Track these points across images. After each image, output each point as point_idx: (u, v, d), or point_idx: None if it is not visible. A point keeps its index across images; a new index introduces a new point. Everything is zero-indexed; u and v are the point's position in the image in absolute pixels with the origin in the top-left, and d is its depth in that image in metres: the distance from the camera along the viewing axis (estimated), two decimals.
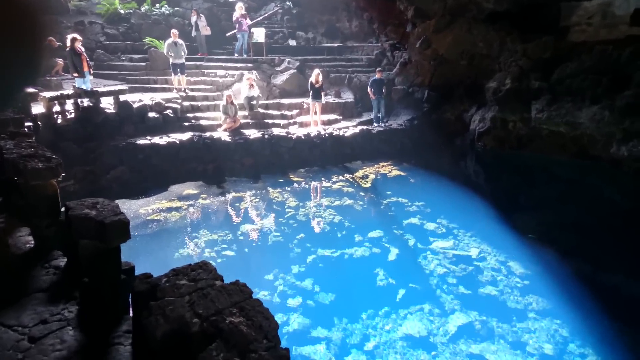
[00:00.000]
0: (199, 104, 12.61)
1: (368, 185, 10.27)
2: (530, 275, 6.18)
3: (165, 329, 1.74)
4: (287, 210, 8.62)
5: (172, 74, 12.73)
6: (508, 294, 5.79)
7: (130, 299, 2.25)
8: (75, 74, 10.23)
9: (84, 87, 10.17)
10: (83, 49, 10.53)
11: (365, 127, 12.79)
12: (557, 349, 4.75)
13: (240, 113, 12.14)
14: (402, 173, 11.06)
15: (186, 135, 10.68)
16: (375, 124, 13.15)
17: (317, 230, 7.89)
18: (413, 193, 9.52)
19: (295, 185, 10.28)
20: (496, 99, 11.64)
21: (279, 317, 5.19)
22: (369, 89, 13.10)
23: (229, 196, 9.62)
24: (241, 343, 1.69)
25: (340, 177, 10.76)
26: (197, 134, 10.96)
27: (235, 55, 15.59)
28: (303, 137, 11.65)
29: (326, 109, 13.31)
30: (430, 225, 7.91)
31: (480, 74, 12.71)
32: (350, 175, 10.92)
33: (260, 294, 5.66)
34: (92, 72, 10.93)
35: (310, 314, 5.35)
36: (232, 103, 11.56)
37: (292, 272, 6.32)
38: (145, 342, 1.78)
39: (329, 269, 6.46)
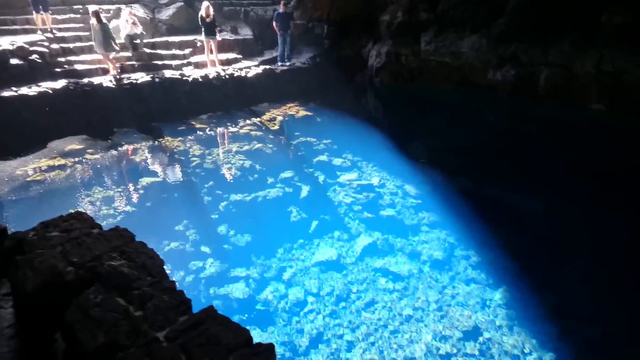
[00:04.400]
0: (71, 45, 10.81)
1: (276, 127, 10.18)
2: (422, 195, 6.94)
3: (36, 282, 1.63)
4: (192, 159, 8.21)
5: (34, 12, 10.57)
6: (404, 213, 6.47)
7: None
8: None
9: None
10: None
11: (268, 67, 12.34)
12: (446, 254, 5.53)
13: (122, 54, 10.75)
14: (308, 113, 11.14)
15: (60, 84, 9.23)
16: (279, 63, 12.73)
17: (227, 176, 7.72)
18: (320, 132, 9.72)
19: (199, 132, 9.75)
20: (390, 33, 12.00)
21: (193, 264, 5.15)
22: (274, 24, 12.38)
23: (122, 149, 8.79)
24: (122, 283, 1.66)
25: (247, 121, 10.47)
26: (73, 81, 9.52)
27: None
28: (201, 80, 10.87)
29: (223, 46, 12.44)
30: (337, 161, 8.26)
31: (376, 8, 12.86)
32: (258, 119, 10.67)
33: (171, 245, 5.49)
34: None
35: (227, 257, 5.40)
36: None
37: (204, 220, 6.20)
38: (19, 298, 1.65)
39: (243, 212, 6.47)
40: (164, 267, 1.86)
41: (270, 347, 1.38)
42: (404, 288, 4.95)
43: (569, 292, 4.69)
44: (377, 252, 5.59)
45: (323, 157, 8.42)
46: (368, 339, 4.18)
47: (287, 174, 7.61)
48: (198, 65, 11.68)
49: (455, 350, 4.00)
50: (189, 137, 9.41)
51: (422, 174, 7.63)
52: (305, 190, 7.15)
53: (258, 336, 4.16)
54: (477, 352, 3.97)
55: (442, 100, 11.33)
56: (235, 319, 4.35)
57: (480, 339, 4.13)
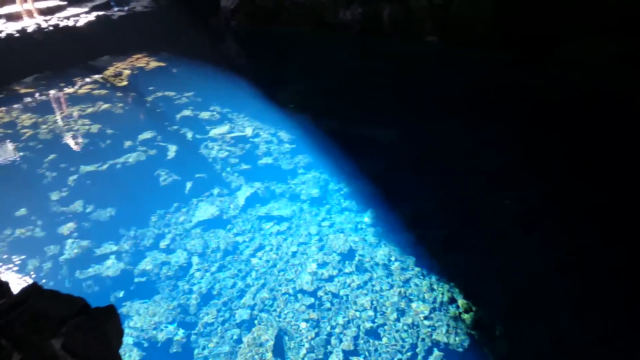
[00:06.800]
0: None
1: (124, 83, 9.00)
2: (296, 140, 7.13)
3: None
4: (21, 131, 6.83)
5: None
6: (281, 159, 6.60)
7: None
8: None
9: None
10: None
11: (102, 14, 10.54)
12: (322, 191, 5.89)
13: None
14: (161, 64, 10.06)
15: None
16: (115, 8, 10.97)
17: (73, 146, 6.67)
18: (179, 84, 8.96)
19: (26, 98, 8.07)
20: None
21: (48, 250, 4.49)
22: None
23: None
24: None
25: (87, 80, 9.00)
26: None
27: None
28: (17, 35, 8.79)
29: None
30: (205, 115, 7.83)
31: None
32: (100, 76, 9.25)
33: (16, 233, 4.66)
34: None
35: (90, 235, 4.83)
36: None
37: (52, 199, 5.35)
38: None
39: (100, 184, 5.77)
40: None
41: (109, 309, 1.31)
42: (288, 228, 5.18)
43: (422, 204, 5.51)
44: (260, 200, 5.66)
45: (187, 112, 7.86)
46: (259, 281, 4.33)
47: (148, 134, 6.93)
48: (11, 18, 9.35)
49: (336, 272, 4.43)
50: (14, 105, 7.74)
51: (293, 119, 7.77)
52: (172, 150, 6.66)
53: (143, 307, 3.94)
54: (354, 269, 4.47)
55: (301, 43, 11.38)
56: (112, 297, 4.06)
57: (356, 257, 4.64)
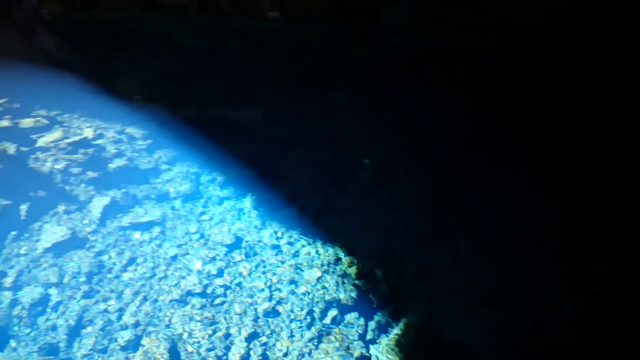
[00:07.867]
0: None
1: None
2: (151, 134, 6.51)
3: None
4: None
5: None
6: (137, 159, 5.97)
7: None
8: None
9: None
10: None
11: None
12: (194, 185, 5.57)
13: None
14: None
15: None
16: None
17: None
18: None
19: None
20: None
21: None
22: None
23: None
24: None
25: None
26: None
27: None
28: None
29: None
30: (27, 122, 6.55)
31: None
32: None
33: None
34: None
35: None
36: None
37: None
38: None
39: None
40: None
41: None
42: (162, 232, 4.79)
43: (296, 177, 5.71)
44: (120, 209, 5.06)
45: (4, 123, 6.46)
46: (138, 296, 3.94)
47: None
48: None
49: (224, 264, 4.31)
50: None
51: (142, 112, 7.06)
52: None
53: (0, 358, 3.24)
54: (243, 257, 4.42)
55: (131, 28, 10.20)
56: None
57: (243, 244, 4.59)
